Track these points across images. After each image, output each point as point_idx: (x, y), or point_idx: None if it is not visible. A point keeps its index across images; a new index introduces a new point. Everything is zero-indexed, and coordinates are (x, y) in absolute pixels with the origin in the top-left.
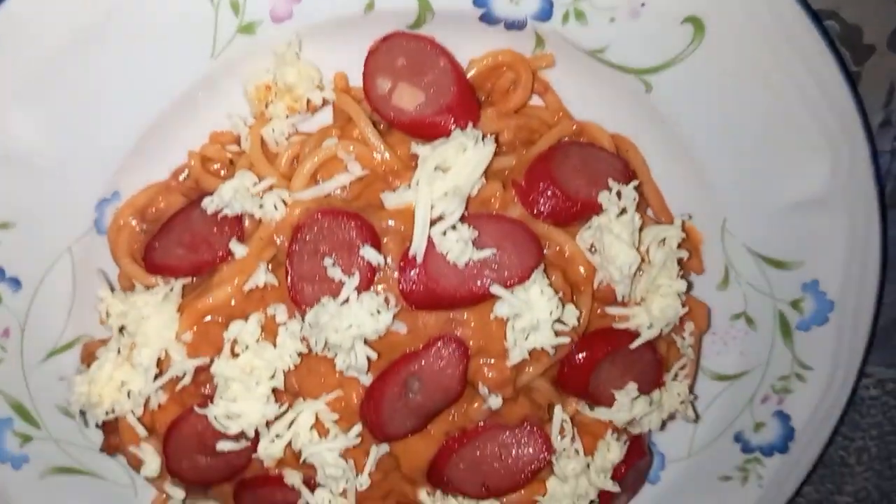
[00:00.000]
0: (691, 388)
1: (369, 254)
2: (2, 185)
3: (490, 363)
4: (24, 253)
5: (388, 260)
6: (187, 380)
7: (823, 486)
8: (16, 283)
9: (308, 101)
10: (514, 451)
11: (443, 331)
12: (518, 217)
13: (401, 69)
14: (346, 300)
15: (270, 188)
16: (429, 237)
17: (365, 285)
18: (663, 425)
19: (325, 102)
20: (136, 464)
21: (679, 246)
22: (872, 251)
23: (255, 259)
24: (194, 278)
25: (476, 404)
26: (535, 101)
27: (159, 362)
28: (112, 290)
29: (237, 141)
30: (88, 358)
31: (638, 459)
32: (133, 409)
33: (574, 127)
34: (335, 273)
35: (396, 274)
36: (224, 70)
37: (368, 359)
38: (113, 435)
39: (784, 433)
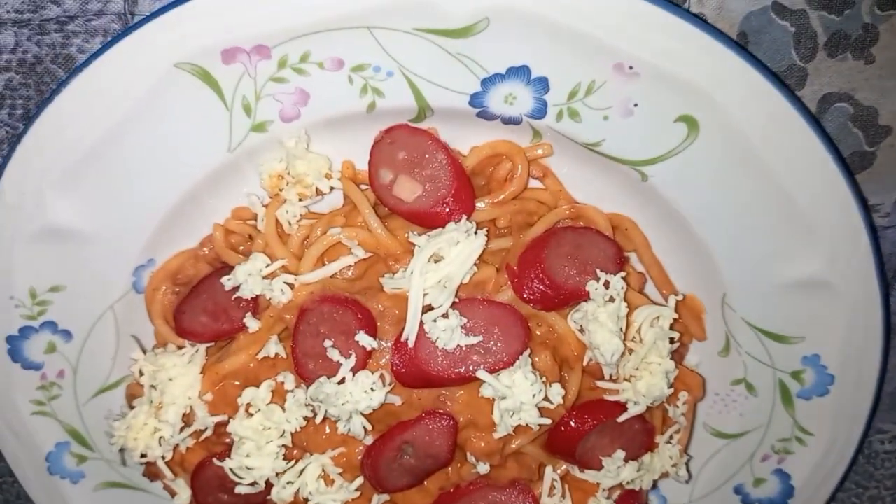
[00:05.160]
0: (685, 450)
1: (364, 339)
2: (53, 256)
3: (478, 435)
4: (73, 310)
5: (384, 342)
6: (209, 432)
7: None
8: (67, 334)
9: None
10: None
11: (434, 405)
12: (508, 300)
13: (402, 162)
14: (343, 380)
15: (280, 270)
16: (421, 323)
17: (360, 365)
18: (654, 484)
19: (333, 188)
20: (171, 493)
21: (677, 320)
22: (874, 330)
23: (267, 333)
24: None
25: (467, 467)
26: (537, 183)
27: (186, 416)
28: (144, 351)
29: (256, 217)
30: (130, 398)
31: None
32: (163, 455)
33: (570, 210)
34: (333, 354)
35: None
36: (244, 158)
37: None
38: (152, 465)
39: (784, 490)
